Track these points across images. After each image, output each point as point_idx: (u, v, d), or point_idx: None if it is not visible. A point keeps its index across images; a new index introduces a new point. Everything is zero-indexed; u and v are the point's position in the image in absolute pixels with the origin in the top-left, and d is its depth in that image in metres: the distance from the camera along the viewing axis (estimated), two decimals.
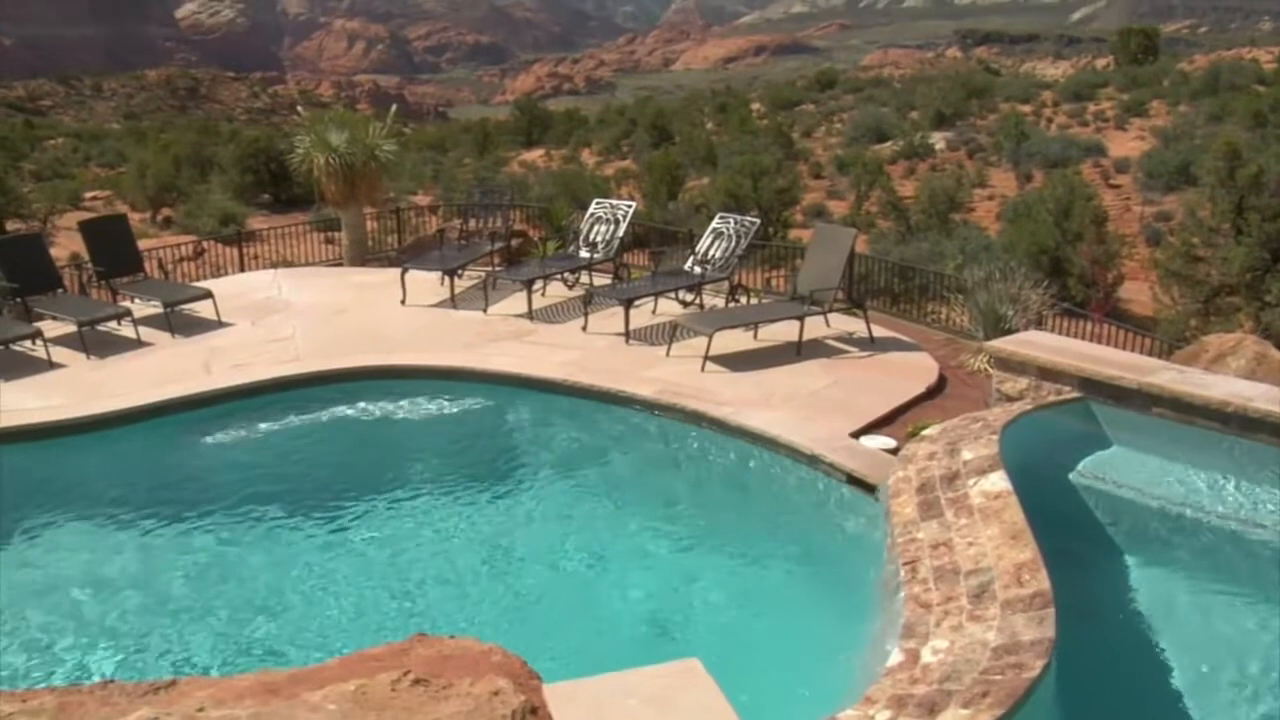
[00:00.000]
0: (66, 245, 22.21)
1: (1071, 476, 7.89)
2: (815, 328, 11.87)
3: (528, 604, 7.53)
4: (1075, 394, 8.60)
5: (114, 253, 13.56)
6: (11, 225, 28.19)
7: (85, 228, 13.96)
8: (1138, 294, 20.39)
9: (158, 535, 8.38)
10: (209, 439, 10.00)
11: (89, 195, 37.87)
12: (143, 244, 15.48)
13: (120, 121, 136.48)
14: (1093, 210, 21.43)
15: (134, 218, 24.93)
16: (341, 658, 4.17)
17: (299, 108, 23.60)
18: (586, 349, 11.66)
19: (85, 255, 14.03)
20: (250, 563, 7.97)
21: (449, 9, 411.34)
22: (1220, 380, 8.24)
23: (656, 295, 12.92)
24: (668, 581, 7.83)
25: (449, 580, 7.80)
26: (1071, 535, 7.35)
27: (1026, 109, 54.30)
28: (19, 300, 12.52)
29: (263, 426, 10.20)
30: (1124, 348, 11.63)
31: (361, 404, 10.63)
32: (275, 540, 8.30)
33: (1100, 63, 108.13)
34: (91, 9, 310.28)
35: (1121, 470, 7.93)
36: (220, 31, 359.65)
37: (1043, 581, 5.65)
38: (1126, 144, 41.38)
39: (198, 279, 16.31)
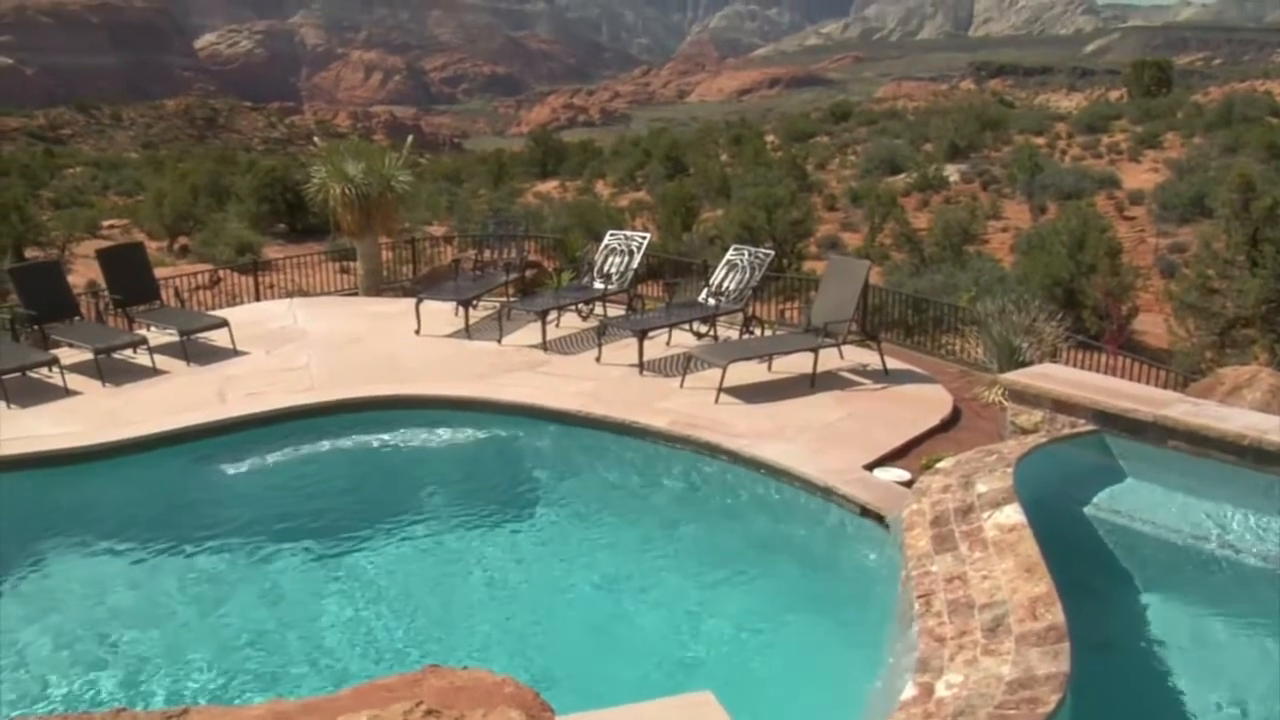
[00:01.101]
0: (84, 273, 22.33)
1: (1086, 510, 7.86)
2: (829, 360, 11.86)
3: (541, 635, 7.51)
4: (1090, 427, 8.58)
5: (131, 281, 13.64)
6: (30, 253, 28.38)
7: (103, 256, 14.05)
8: (1152, 326, 20.31)
9: (170, 563, 8.39)
10: (223, 467, 10.03)
11: (107, 223, 38.02)
12: (159, 272, 15.56)
13: (139, 150, 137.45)
14: (1107, 242, 21.38)
15: (151, 246, 25.03)
16: (354, 688, 4.17)
17: (315, 138, 23.76)
18: (600, 380, 11.66)
19: (102, 283, 14.11)
20: (263, 591, 7.97)
21: (465, 41, 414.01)
22: (1236, 413, 8.21)
23: (670, 327, 12.94)
24: (680, 613, 7.81)
25: (461, 610, 7.79)
26: (1087, 568, 7.32)
27: (1040, 141, 54.29)
28: (37, 327, 12.61)
29: (277, 455, 10.23)
30: (1139, 380, 11.60)
31: (375, 434, 10.65)
32: (288, 569, 8.30)
33: (1114, 95, 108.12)
34: (112, 39, 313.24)
35: (1137, 503, 7.90)
36: (238, 62, 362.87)
37: (1058, 615, 5.62)
38: (1140, 176, 41.32)
39: (213, 307, 16.36)
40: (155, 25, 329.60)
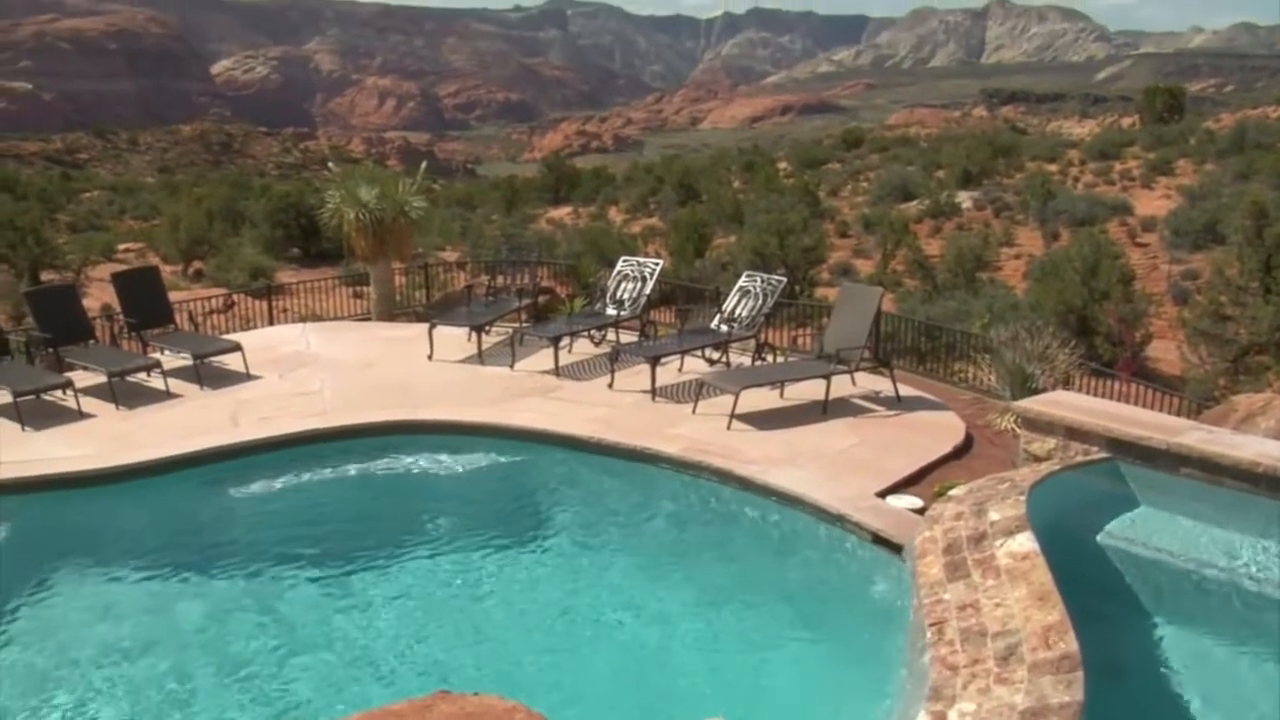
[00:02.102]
0: (99, 296, 22.42)
1: (1100, 537, 7.83)
2: (841, 386, 11.86)
3: (551, 662, 7.49)
4: (1103, 454, 8.56)
5: (145, 304, 13.70)
6: (46, 276, 28.51)
7: (118, 279, 14.13)
8: (1166, 353, 20.26)
9: (181, 586, 8.41)
10: (235, 491, 10.06)
11: (122, 247, 38.22)
12: (174, 296, 15.62)
13: (155, 175, 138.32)
14: (1120, 269, 21.35)
15: (166, 270, 25.12)
16: (364, 713, 4.17)
17: (330, 163, 23.86)
18: (613, 406, 11.67)
19: (117, 306, 14.18)
20: (272, 615, 7.96)
21: (479, 67, 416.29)
22: (1249, 440, 8.18)
23: (683, 353, 12.95)
24: (691, 640, 7.79)
25: (472, 636, 7.78)
26: (1100, 597, 7.29)
27: (1053, 168, 54.24)
28: (52, 350, 12.66)
29: (288, 480, 10.25)
30: (1152, 407, 11.57)
31: (388, 458, 10.68)
32: (298, 593, 8.30)
33: (1126, 121, 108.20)
34: (129, 65, 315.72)
35: (1150, 531, 7.87)
36: (254, 87, 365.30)
37: (1071, 643, 5.60)
38: (1153, 202, 41.28)
39: (227, 332, 16.43)
40: (172, 51, 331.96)
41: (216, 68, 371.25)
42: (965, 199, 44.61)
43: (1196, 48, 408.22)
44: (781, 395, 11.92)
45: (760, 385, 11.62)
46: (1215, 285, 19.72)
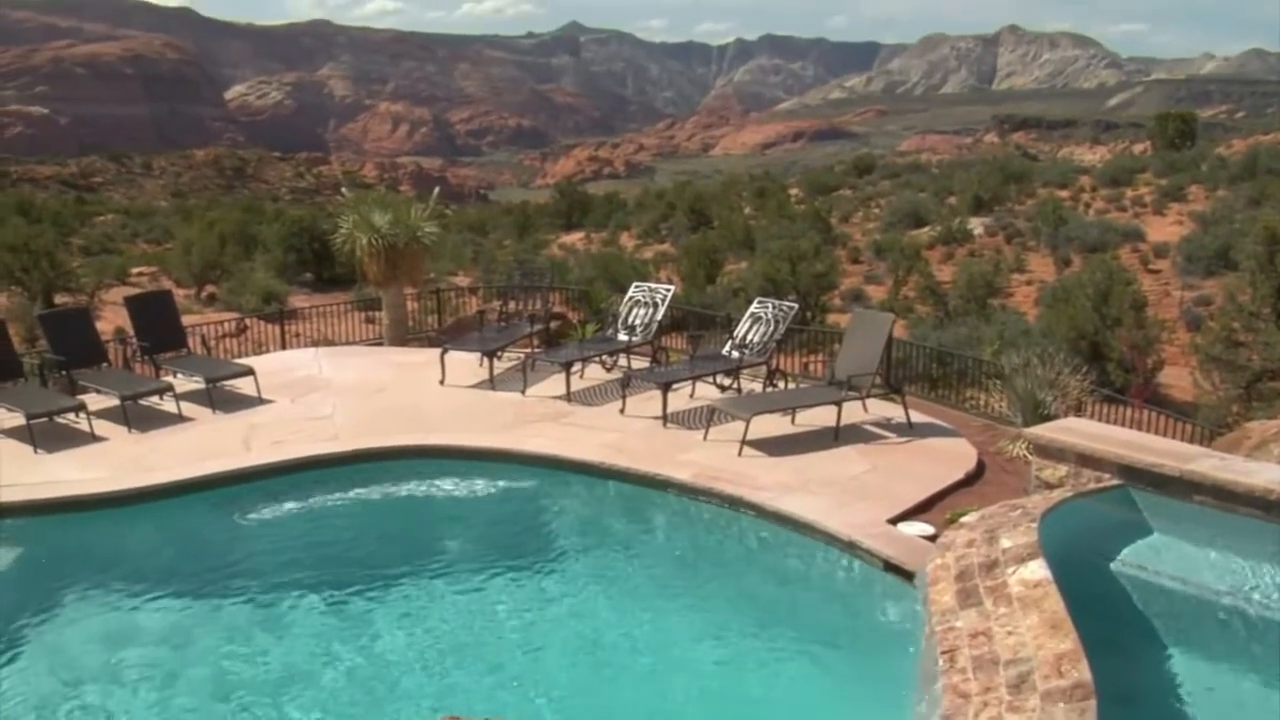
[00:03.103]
0: (112, 319, 22.50)
1: (1112, 565, 7.80)
2: (853, 413, 11.83)
3: (559, 687, 7.47)
4: (1115, 481, 8.53)
5: (158, 328, 13.75)
6: (60, 299, 28.65)
7: (131, 303, 14.18)
8: (1178, 379, 20.20)
9: (191, 610, 8.40)
10: (246, 515, 10.07)
11: (135, 271, 38.34)
12: (186, 320, 15.69)
13: (168, 199, 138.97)
14: (1132, 295, 21.33)
15: (179, 294, 25.19)
16: None
17: (343, 188, 23.97)
18: (624, 432, 11.67)
19: (130, 330, 14.24)
20: (282, 639, 7.96)
21: (491, 93, 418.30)
22: (1263, 467, 8.15)
23: (694, 379, 12.95)
24: (702, 666, 7.75)
25: (480, 662, 7.75)
26: (1112, 625, 7.25)
27: (1064, 194, 54.20)
28: (65, 373, 12.72)
29: (300, 504, 10.27)
30: (1164, 434, 11.55)
31: (399, 483, 10.68)
32: (308, 617, 8.29)
33: (1138, 148, 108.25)
34: (145, 89, 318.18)
35: (1163, 559, 7.83)
36: (268, 113, 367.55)
37: (1083, 672, 5.57)
38: (1165, 228, 41.24)
39: (239, 356, 16.49)
40: (187, 77, 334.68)
41: (231, 93, 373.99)
42: (977, 225, 44.62)
43: (1208, 74, 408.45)
44: (793, 421, 11.91)
45: (772, 411, 11.62)
46: (1228, 311, 19.65)
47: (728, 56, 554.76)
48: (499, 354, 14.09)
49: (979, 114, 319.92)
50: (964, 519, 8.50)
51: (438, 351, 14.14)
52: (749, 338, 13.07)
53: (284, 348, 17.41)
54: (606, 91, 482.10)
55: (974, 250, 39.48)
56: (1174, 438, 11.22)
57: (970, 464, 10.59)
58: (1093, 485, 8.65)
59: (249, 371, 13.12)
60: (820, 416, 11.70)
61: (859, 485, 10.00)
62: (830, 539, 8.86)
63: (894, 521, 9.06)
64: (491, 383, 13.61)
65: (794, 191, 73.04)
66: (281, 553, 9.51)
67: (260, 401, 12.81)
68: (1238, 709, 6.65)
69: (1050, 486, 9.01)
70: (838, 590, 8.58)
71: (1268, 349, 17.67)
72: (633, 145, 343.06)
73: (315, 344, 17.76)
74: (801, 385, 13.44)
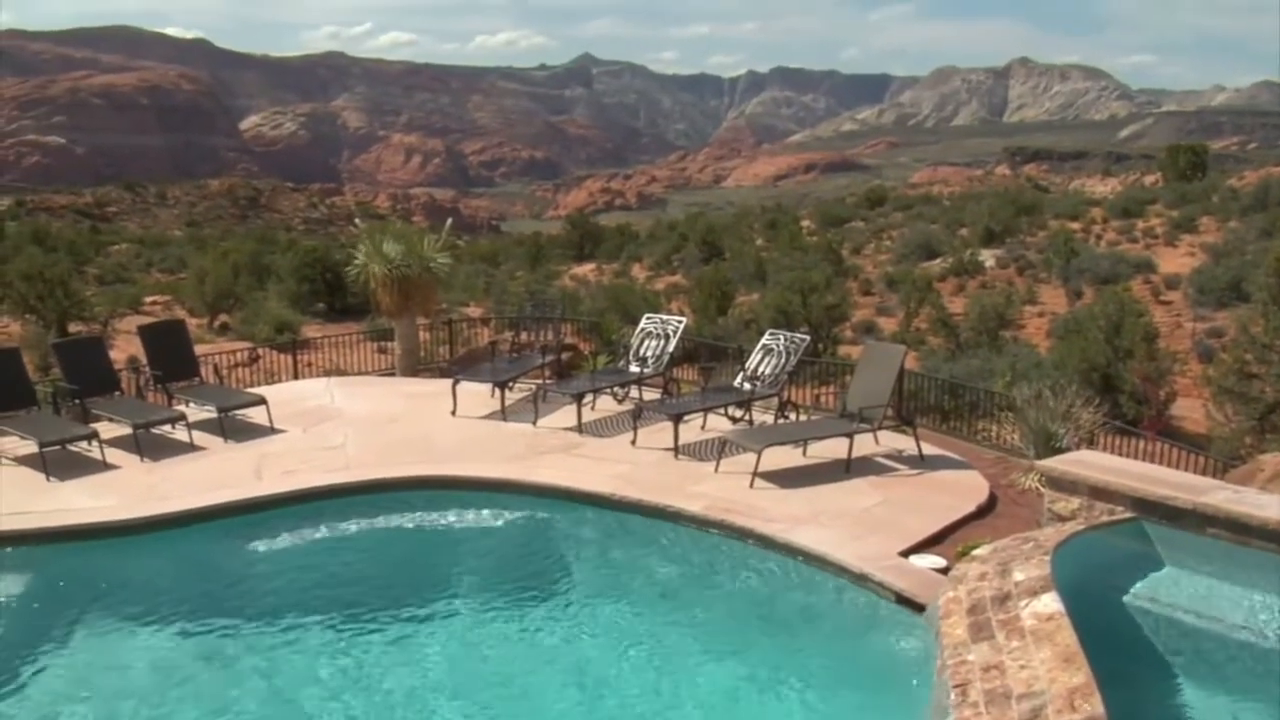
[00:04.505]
0: (125, 348, 22.58)
1: (1125, 598, 7.76)
2: (864, 445, 11.82)
3: (568, 716, 7.44)
4: (1128, 514, 8.50)
5: (171, 357, 13.81)
6: (73, 327, 28.78)
7: (144, 332, 14.25)
8: (1191, 411, 20.13)
9: (201, 640, 8.39)
10: (257, 545, 10.07)
11: (149, 300, 38.54)
12: (199, 349, 15.73)
13: (182, 229, 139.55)
14: (1144, 327, 21.28)
15: (192, 323, 25.33)
16: None
17: (356, 219, 24.07)
18: (635, 463, 11.66)
19: (143, 359, 14.30)
20: (292, 671, 7.94)
21: (504, 125, 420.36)
22: (1277, 500, 8.11)
23: (706, 411, 12.95)
24: (711, 698, 7.72)
25: (490, 694, 7.74)
26: (1126, 658, 7.21)
27: (1076, 226, 54.23)
28: (78, 401, 12.76)
29: (311, 534, 10.26)
30: (1177, 466, 11.49)
31: (410, 514, 10.67)
32: (318, 648, 8.28)
33: (1149, 179, 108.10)
34: (160, 120, 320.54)
35: (1177, 592, 7.79)
36: (282, 143, 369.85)
37: (1096, 706, 5.54)
38: (1177, 260, 41.23)
39: (252, 385, 16.53)
40: (202, 107, 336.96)
41: (245, 123, 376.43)
42: (988, 257, 44.64)
43: (1219, 106, 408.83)
44: (804, 453, 11.90)
45: (783, 443, 11.60)
46: (1240, 343, 19.59)
47: (739, 88, 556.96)
48: (510, 385, 14.11)
49: (990, 146, 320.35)
50: (976, 552, 8.47)
51: (449, 382, 14.17)
52: (761, 369, 13.07)
53: (296, 377, 17.46)
54: (619, 123, 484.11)
55: (986, 282, 39.48)
56: (1187, 470, 11.17)
57: (982, 496, 10.57)
58: (1105, 518, 8.62)
59: (261, 401, 13.16)
60: (832, 449, 11.69)
61: (870, 517, 9.97)
62: (842, 571, 8.84)
63: (906, 554, 9.04)
64: (503, 414, 13.62)
65: (806, 223, 73.16)
66: (292, 582, 9.51)
67: (272, 431, 12.84)
68: None
69: (1063, 519, 8.98)
70: (849, 623, 8.54)
71: None
72: (645, 177, 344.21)
73: (327, 374, 17.80)
74: (813, 417, 13.42)
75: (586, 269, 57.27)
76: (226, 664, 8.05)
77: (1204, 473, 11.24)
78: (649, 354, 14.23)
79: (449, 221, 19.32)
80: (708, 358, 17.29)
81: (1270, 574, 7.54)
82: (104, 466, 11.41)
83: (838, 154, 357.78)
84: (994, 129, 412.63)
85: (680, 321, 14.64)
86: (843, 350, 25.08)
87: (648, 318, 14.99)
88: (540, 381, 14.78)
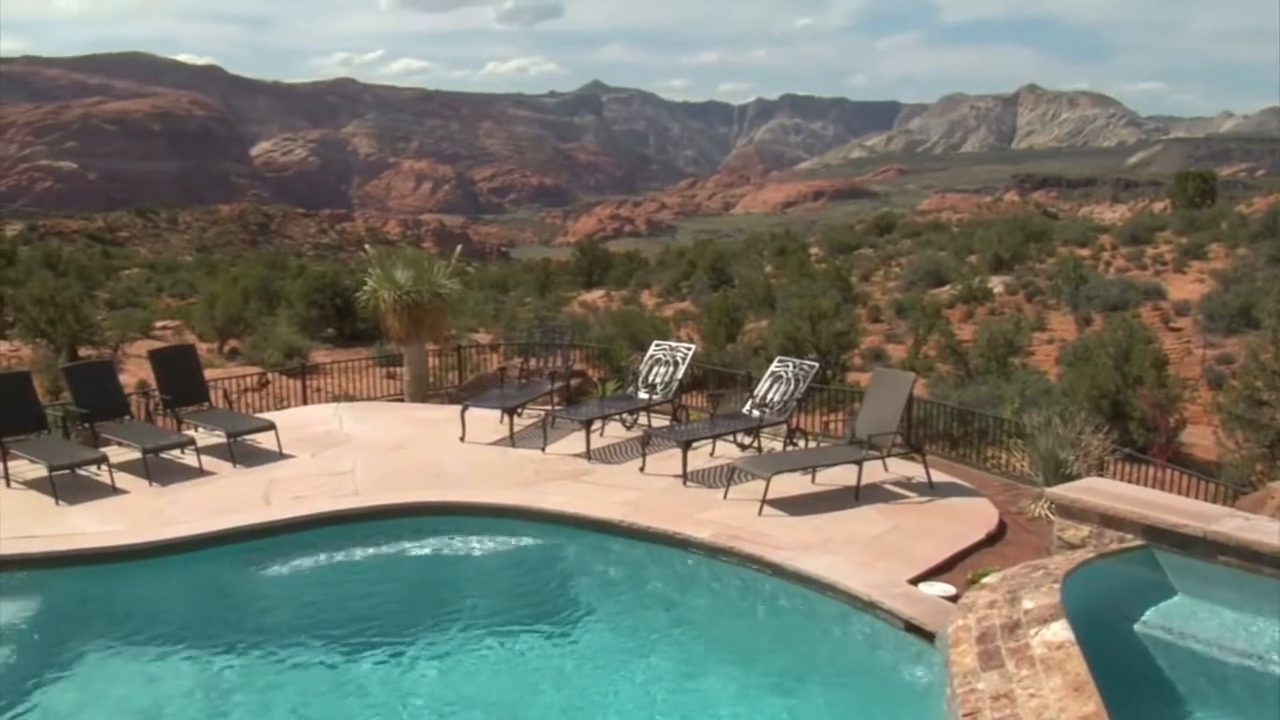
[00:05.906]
0: (135, 372, 22.65)
1: (1136, 626, 7.73)
2: (873, 472, 11.80)
3: None
4: (1138, 542, 8.47)
5: (181, 382, 13.86)
6: (84, 352, 28.85)
7: (154, 356, 14.30)
8: (1201, 438, 20.06)
9: (207, 665, 8.39)
10: (265, 570, 10.08)
11: (159, 324, 38.62)
12: (209, 374, 15.78)
13: (193, 254, 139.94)
14: (1153, 353, 21.23)
15: (202, 348, 25.41)
16: None
17: (366, 245, 24.15)
18: (644, 490, 11.65)
19: (153, 383, 14.33)
20: (299, 696, 7.94)
21: (514, 151, 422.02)
22: None
23: (714, 437, 12.94)
24: None
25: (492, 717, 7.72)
26: (1136, 687, 7.17)
27: (1085, 252, 54.17)
28: (87, 425, 12.80)
29: (319, 559, 10.27)
30: (1188, 494, 11.46)
31: (418, 540, 10.67)
32: (325, 674, 8.27)
33: (1158, 206, 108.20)
34: (171, 146, 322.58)
35: (1187, 620, 7.75)
36: (292, 169, 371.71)
37: None
38: (1186, 287, 41.16)
39: (261, 410, 16.56)
40: (213, 133, 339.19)
41: (256, 149, 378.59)
42: (997, 284, 44.62)
43: (1227, 132, 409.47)
44: (813, 480, 11.87)
45: (792, 470, 11.58)
46: (1250, 370, 19.53)
47: (749, 116, 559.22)
48: (519, 411, 14.12)
49: (999, 173, 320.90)
50: (985, 579, 8.45)
51: (458, 408, 14.19)
52: (769, 396, 13.06)
53: (305, 403, 17.48)
54: (628, 150, 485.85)
55: (995, 309, 39.44)
56: (1197, 497, 11.13)
57: (992, 524, 10.53)
58: (1115, 546, 8.59)
59: (270, 426, 13.18)
60: (841, 476, 11.66)
61: (879, 545, 9.95)
62: (851, 599, 8.81)
63: (915, 582, 9.01)
64: (512, 440, 13.62)
65: (815, 250, 73.24)
66: (299, 608, 9.52)
67: (281, 456, 12.85)
68: None
69: (1073, 547, 8.95)
70: (858, 651, 8.51)
71: None
72: (654, 204, 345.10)
73: (336, 399, 17.83)
74: (822, 444, 13.40)
75: (596, 295, 57.31)
76: (232, 688, 8.04)
77: (1214, 500, 11.20)
78: (658, 380, 14.23)
79: (458, 248, 19.38)
80: (716, 384, 17.29)
81: None
82: (113, 491, 11.43)
83: (846, 181, 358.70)
84: (1002, 156, 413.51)
85: (689, 348, 14.64)
86: (851, 377, 25.05)
87: (657, 344, 14.99)
88: (549, 408, 14.78)
